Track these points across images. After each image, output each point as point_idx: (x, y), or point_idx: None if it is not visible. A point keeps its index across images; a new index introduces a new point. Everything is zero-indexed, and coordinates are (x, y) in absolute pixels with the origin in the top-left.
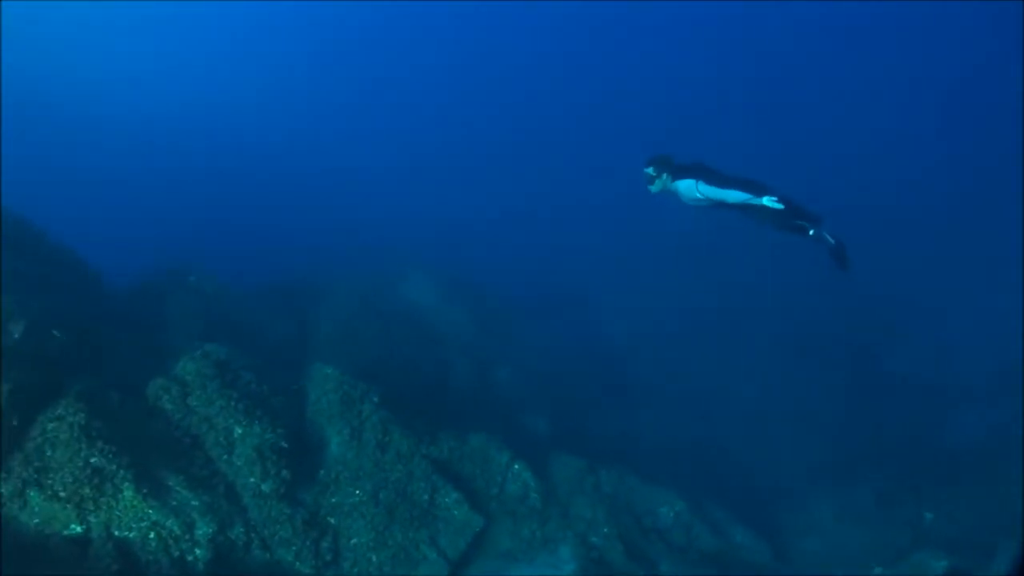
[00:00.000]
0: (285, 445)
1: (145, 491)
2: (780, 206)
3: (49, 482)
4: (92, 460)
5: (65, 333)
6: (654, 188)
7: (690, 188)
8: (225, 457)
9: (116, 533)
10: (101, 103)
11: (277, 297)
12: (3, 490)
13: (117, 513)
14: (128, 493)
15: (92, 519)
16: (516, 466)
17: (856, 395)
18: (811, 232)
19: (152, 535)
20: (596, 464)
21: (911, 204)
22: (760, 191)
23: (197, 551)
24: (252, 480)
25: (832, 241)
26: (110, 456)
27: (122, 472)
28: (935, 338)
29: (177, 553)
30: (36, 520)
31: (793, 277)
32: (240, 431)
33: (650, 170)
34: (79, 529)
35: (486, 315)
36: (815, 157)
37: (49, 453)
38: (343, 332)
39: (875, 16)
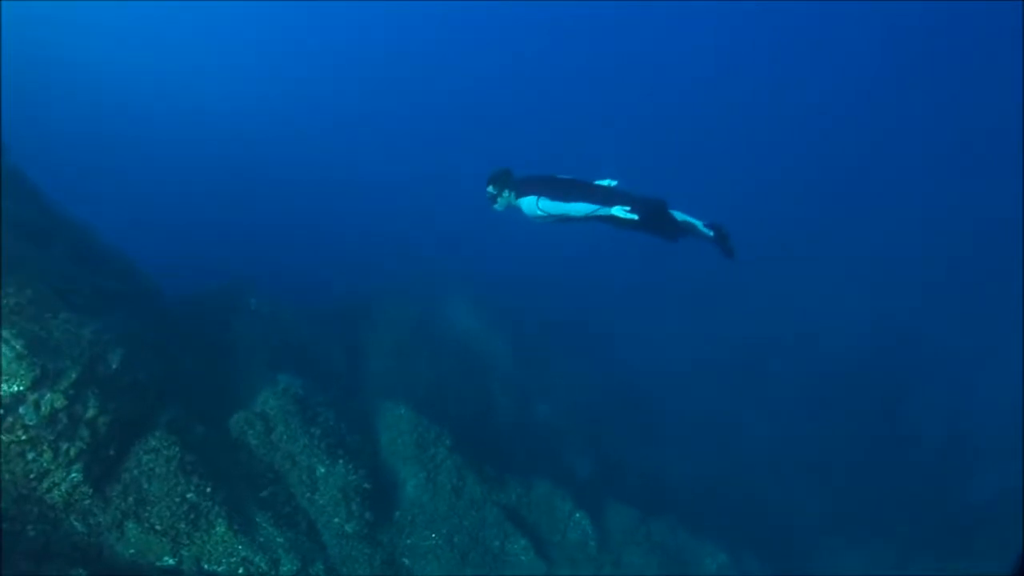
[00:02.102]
0: (368, 487)
1: (236, 527)
2: (633, 216)
3: (146, 515)
4: (188, 496)
5: (154, 360)
6: (498, 207)
7: (531, 205)
8: (308, 495)
9: (206, 567)
10: (140, 107)
11: (329, 320)
12: (101, 519)
13: (208, 547)
14: (220, 529)
15: (184, 552)
16: (578, 515)
17: (875, 444)
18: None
19: (241, 571)
20: (648, 515)
21: (933, 257)
22: (610, 200)
23: None
24: (336, 520)
25: (710, 233)
26: (205, 492)
27: (216, 508)
28: (956, 389)
29: None
30: (131, 551)
31: (815, 322)
32: (323, 470)
33: (491, 188)
34: (171, 561)
35: (523, 343)
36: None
37: (146, 486)
38: (396, 360)
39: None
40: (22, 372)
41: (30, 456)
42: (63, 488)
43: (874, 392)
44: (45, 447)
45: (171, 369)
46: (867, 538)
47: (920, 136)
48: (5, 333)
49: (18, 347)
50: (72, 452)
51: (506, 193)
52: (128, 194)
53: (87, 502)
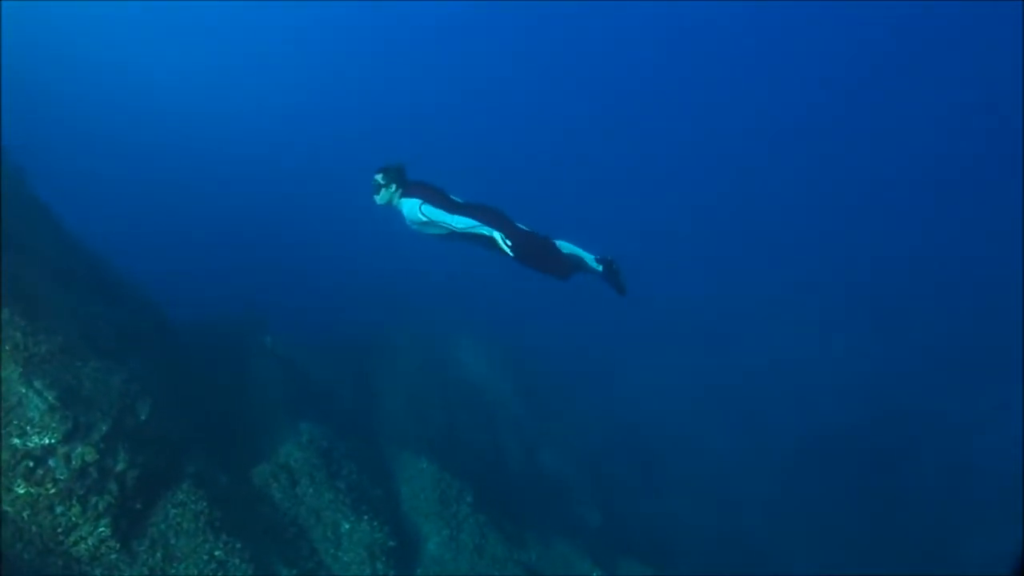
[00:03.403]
0: (393, 544)
1: None
2: (510, 253)
3: (173, 572)
4: (216, 553)
5: (177, 407)
6: (379, 199)
7: (413, 208)
8: (332, 551)
9: None
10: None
11: (341, 356)
12: (127, 574)
13: None
14: None
15: None
16: (595, 574)
17: (871, 503)
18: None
19: None
20: (658, 573)
21: (938, 314)
22: (495, 224)
23: None
24: None
25: (599, 268)
26: (234, 549)
27: (244, 566)
28: (956, 451)
29: None
30: None
31: (815, 371)
32: (348, 526)
33: (379, 177)
34: None
35: (527, 387)
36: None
37: (174, 541)
38: (408, 403)
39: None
40: (54, 425)
41: (58, 510)
42: (90, 542)
43: (871, 450)
44: (74, 501)
45: (192, 414)
46: None
47: (914, 176)
48: (37, 384)
49: (50, 399)
50: (101, 506)
51: (393, 187)
52: (119, 204)
53: (114, 556)
